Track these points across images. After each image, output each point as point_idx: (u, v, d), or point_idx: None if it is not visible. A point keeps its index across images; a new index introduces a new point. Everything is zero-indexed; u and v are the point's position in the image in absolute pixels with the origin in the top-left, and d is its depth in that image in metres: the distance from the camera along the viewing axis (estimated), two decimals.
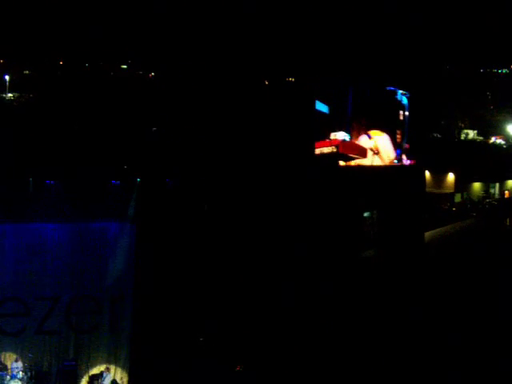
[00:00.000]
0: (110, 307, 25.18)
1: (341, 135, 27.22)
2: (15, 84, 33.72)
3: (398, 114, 27.62)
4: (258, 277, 25.55)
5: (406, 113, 27.59)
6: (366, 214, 29.38)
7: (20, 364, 24.18)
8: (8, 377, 23.78)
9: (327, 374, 23.53)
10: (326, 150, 27.14)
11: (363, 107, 27.45)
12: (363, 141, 27.90)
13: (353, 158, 27.75)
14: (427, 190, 31.63)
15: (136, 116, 28.64)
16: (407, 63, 27.44)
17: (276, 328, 24.89)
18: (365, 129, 27.77)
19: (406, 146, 27.90)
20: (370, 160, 27.93)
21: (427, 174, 32.95)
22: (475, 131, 42.22)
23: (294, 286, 25.52)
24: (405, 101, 27.56)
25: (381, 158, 27.90)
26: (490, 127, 42.33)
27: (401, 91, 27.31)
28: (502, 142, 42.09)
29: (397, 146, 27.88)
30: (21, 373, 23.87)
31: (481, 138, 42.13)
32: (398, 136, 27.74)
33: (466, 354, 22.96)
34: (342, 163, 27.76)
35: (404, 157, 27.85)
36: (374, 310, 25.17)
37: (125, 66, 35.11)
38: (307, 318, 25.08)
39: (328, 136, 27.23)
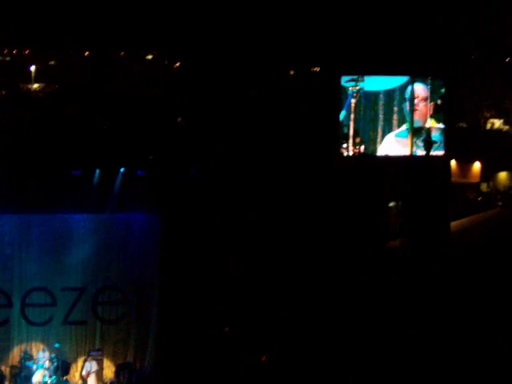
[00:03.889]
0: (136, 297, 25.28)
1: None
2: (40, 75, 33.75)
3: None
4: (282, 268, 25.50)
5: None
6: (391, 204, 29.25)
7: (46, 354, 24.36)
8: (34, 366, 23.97)
9: (349, 365, 23.55)
10: None
11: None
12: None
13: None
14: (452, 179, 31.37)
15: (161, 106, 28.58)
16: (435, 51, 27.10)
17: (300, 320, 24.86)
18: None
19: None
20: None
21: (453, 163, 32.71)
22: (501, 120, 41.90)
23: (318, 277, 25.46)
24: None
25: None
26: None
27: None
28: None
29: None
30: (47, 362, 24.05)
31: (507, 127, 41.80)
32: None
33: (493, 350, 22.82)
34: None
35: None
36: (399, 302, 25.07)
37: (150, 57, 35.04)
38: (331, 309, 25.02)
39: None
